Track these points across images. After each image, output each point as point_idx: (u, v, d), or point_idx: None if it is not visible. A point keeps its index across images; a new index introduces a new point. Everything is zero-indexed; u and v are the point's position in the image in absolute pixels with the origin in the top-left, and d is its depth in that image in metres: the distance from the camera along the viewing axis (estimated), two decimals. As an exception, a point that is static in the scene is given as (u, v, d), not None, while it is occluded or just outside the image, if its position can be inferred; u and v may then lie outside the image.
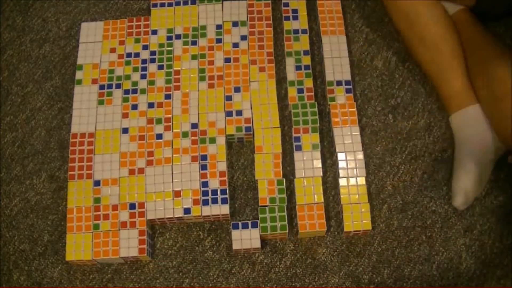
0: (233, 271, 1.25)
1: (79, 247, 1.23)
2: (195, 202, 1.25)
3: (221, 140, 1.30)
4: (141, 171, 1.29)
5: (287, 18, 1.43)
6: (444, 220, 1.27)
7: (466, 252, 1.25)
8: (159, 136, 1.32)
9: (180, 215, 1.25)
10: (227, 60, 1.38)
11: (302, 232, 1.23)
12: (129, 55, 1.41)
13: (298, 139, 1.31)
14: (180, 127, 1.32)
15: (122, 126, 1.34)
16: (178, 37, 1.42)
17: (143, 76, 1.38)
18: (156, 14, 1.45)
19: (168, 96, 1.36)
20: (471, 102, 1.26)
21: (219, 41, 1.41)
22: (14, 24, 1.50)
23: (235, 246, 1.22)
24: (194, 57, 1.40)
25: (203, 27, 1.43)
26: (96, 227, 1.24)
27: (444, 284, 1.22)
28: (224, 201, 1.25)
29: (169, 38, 1.42)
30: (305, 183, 1.27)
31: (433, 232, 1.26)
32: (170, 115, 1.34)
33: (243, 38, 1.41)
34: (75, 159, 1.30)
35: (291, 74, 1.37)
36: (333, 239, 1.26)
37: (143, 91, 1.37)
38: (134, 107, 1.35)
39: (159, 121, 1.33)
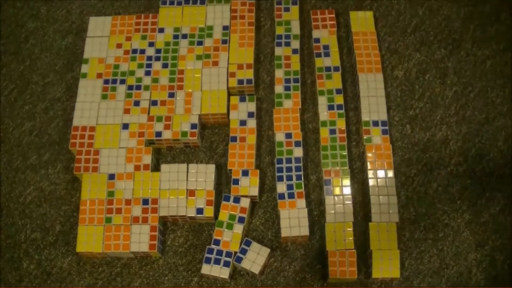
0: (242, 273, 1.24)
1: (90, 239, 1.24)
2: (209, 203, 1.26)
3: (239, 228, 1.24)
4: (147, 167, 1.29)
5: (319, 55, 1.37)
6: (456, 234, 1.26)
7: (477, 267, 1.24)
8: (158, 134, 1.32)
9: (193, 215, 1.25)
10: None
11: (332, 278, 1.20)
12: (134, 51, 1.41)
13: (328, 182, 1.26)
14: (179, 127, 1.32)
15: (123, 121, 1.34)
16: (184, 36, 1.42)
17: (147, 73, 1.39)
18: (165, 12, 1.45)
19: (171, 95, 1.36)
20: None
21: (224, 42, 1.41)
22: (38, 14, 1.51)
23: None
24: (199, 57, 1.39)
25: (210, 28, 1.42)
26: (108, 220, 1.25)
27: (452, 298, 1.22)
28: (226, 264, 1.22)
29: (176, 37, 1.42)
30: (335, 229, 1.23)
31: (445, 245, 1.26)
32: (171, 114, 1.33)
33: None
34: (82, 152, 1.31)
35: (323, 114, 1.32)
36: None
37: (146, 88, 1.37)
38: (137, 103, 1.35)
39: (159, 119, 1.33)
